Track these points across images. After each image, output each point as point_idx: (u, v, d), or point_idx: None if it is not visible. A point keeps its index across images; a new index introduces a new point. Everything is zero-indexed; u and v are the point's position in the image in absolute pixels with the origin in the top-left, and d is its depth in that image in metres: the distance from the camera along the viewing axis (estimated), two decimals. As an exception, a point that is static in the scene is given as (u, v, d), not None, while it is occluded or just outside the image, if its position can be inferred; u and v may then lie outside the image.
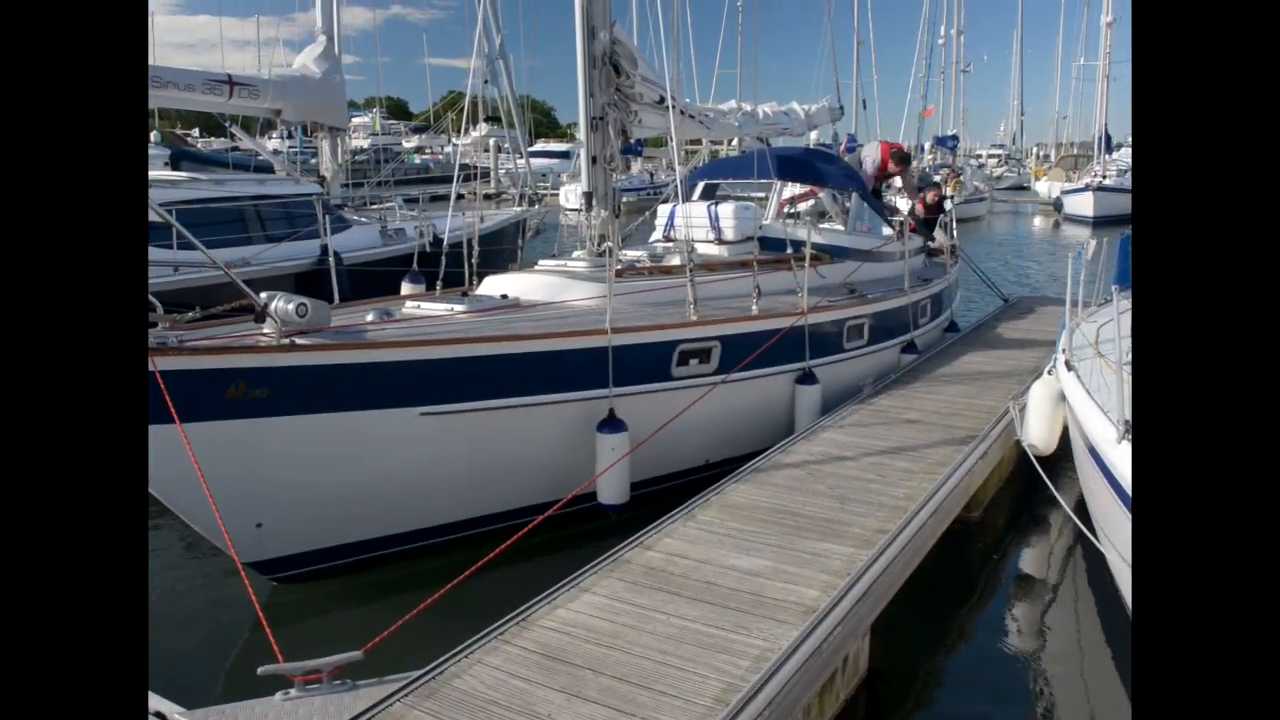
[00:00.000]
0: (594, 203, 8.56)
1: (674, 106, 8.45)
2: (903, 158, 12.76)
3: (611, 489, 6.45)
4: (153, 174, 13.08)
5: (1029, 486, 7.45)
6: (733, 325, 7.36)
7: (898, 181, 13.81)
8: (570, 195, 28.44)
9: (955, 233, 13.71)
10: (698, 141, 14.62)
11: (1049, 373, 6.67)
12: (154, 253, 9.78)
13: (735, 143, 14.35)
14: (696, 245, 8.81)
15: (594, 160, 8.50)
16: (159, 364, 4.85)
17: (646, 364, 6.78)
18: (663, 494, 6.81)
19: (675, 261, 8.52)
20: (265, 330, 5.49)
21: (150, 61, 13.44)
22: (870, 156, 12.57)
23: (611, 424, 6.42)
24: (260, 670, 3.80)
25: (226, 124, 13.89)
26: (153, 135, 22.19)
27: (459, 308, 7.22)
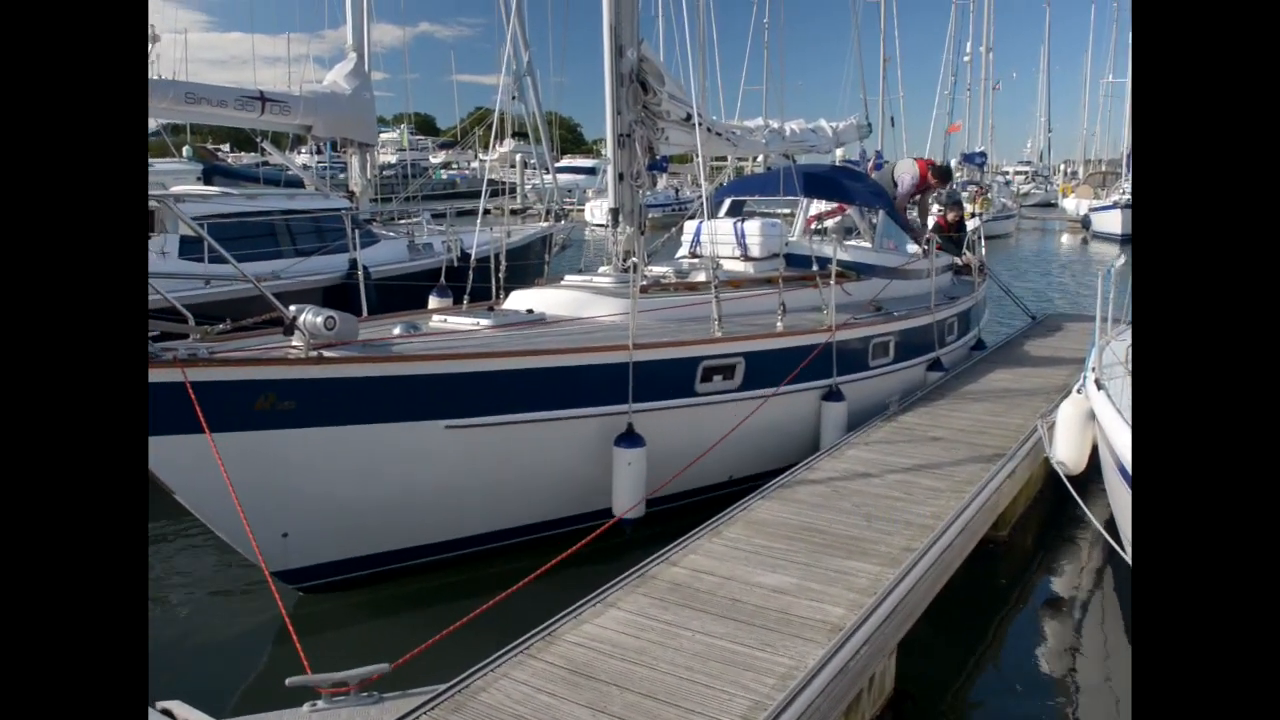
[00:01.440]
0: (620, 219, 8.58)
1: (701, 124, 8.47)
2: (944, 172, 12.60)
3: (627, 504, 6.43)
4: (185, 188, 13.29)
5: (1057, 506, 7.37)
6: (756, 342, 7.34)
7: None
8: (596, 211, 28.52)
9: (983, 250, 13.61)
10: (723, 158, 14.63)
11: (1078, 391, 6.60)
12: (185, 265, 9.97)
13: (760, 159, 14.34)
14: (722, 262, 8.82)
15: (621, 177, 8.53)
16: (190, 375, 4.91)
17: (670, 380, 6.78)
18: (687, 510, 6.79)
19: (701, 278, 8.53)
20: (294, 343, 5.54)
21: (184, 78, 13.71)
22: (908, 173, 12.44)
23: (629, 439, 6.40)
24: (288, 682, 3.82)
25: (257, 139, 14.08)
26: (184, 150, 22.57)
27: (485, 322, 7.25)
